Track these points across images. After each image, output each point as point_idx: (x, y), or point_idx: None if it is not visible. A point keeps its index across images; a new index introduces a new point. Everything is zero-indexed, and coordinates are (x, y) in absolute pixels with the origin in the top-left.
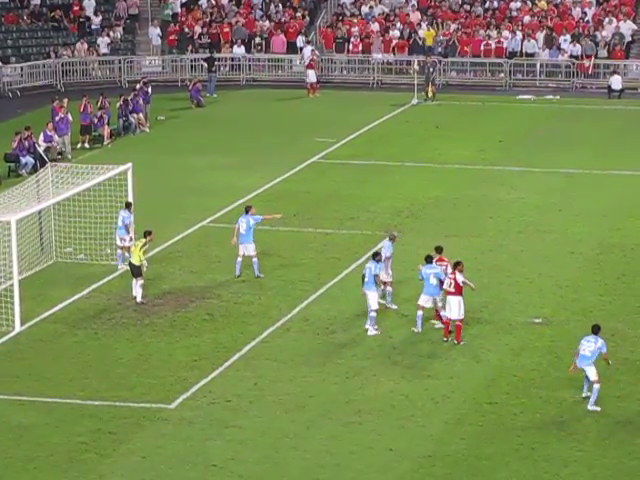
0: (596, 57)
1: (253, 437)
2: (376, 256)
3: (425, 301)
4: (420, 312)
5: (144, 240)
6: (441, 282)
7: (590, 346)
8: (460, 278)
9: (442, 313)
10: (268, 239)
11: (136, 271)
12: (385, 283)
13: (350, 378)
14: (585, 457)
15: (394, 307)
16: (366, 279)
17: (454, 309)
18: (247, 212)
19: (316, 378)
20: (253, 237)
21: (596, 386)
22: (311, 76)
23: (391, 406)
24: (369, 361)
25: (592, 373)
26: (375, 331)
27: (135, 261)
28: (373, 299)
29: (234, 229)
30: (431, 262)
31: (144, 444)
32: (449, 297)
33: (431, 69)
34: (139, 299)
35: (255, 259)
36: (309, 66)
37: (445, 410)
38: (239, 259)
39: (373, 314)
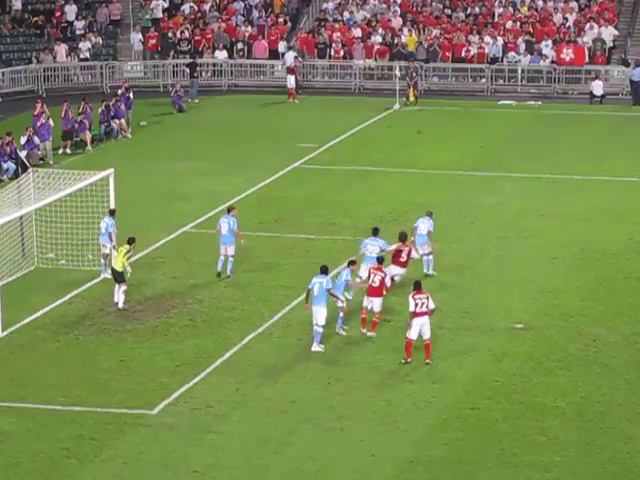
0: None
1: (235, 443)
2: (326, 270)
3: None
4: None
5: (127, 247)
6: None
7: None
8: (432, 305)
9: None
10: (250, 244)
11: (119, 277)
12: (428, 253)
13: (332, 384)
14: (567, 462)
15: (432, 273)
16: (315, 294)
17: (427, 329)
18: (229, 212)
19: (298, 384)
20: (234, 238)
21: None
22: (291, 81)
23: (373, 412)
24: (351, 367)
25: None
26: (319, 348)
27: (118, 267)
28: (322, 315)
29: (217, 230)
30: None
31: (126, 450)
32: (422, 318)
33: (414, 74)
34: (121, 305)
35: (232, 259)
36: (290, 71)
37: (427, 415)
38: (221, 257)
39: (320, 330)
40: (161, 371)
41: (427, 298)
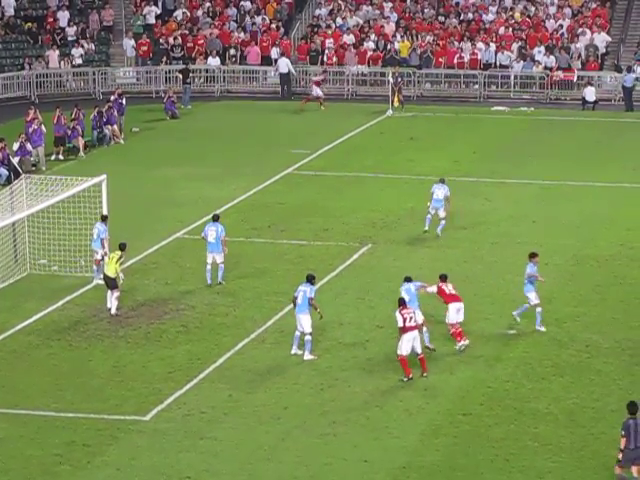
0: (569, 70)
1: (228, 449)
2: (312, 279)
3: None
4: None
5: (120, 253)
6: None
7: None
8: (420, 318)
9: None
10: (242, 250)
11: (112, 283)
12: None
13: (325, 390)
14: (559, 468)
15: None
16: (299, 302)
17: (418, 344)
18: (215, 220)
19: (291, 390)
20: (222, 245)
21: None
22: (317, 91)
23: (366, 417)
24: (344, 372)
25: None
26: (311, 356)
27: (110, 273)
28: (307, 323)
29: (202, 238)
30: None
31: (118, 456)
32: (412, 333)
33: (399, 79)
34: (113, 311)
35: (222, 265)
36: (316, 83)
37: (420, 421)
38: (208, 267)
39: (309, 337)
40: (154, 377)
41: (414, 312)
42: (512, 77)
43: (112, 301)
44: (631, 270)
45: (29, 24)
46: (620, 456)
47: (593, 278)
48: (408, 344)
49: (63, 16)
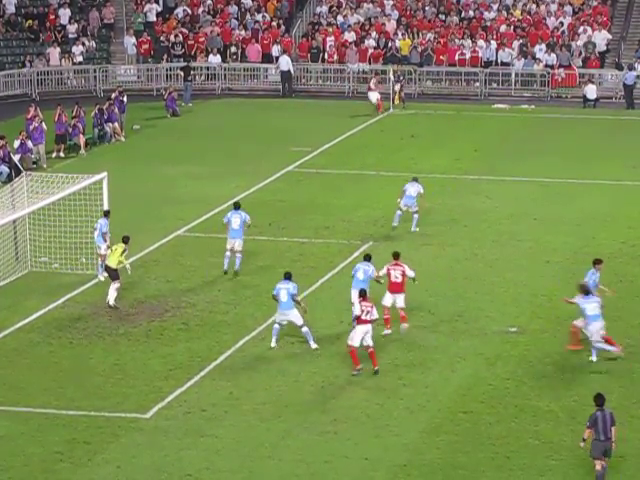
0: (569, 67)
1: (228, 446)
2: (290, 276)
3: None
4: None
5: (123, 245)
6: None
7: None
8: (375, 315)
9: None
10: (243, 248)
11: (113, 274)
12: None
13: (325, 387)
14: (560, 466)
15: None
16: (283, 299)
17: (370, 338)
18: (237, 208)
19: (291, 387)
20: (244, 233)
21: None
22: (372, 97)
23: (366, 415)
24: (344, 370)
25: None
26: (316, 344)
27: (112, 264)
28: (297, 317)
29: (225, 224)
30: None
31: (119, 454)
32: (365, 326)
33: (401, 77)
34: (112, 302)
35: (240, 254)
36: (369, 89)
37: (420, 419)
38: (227, 253)
39: (306, 329)
40: (155, 375)
41: (372, 307)
42: (513, 75)
43: (111, 292)
44: (632, 268)
45: (30, 22)
46: (582, 445)
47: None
48: (359, 336)
49: (64, 14)
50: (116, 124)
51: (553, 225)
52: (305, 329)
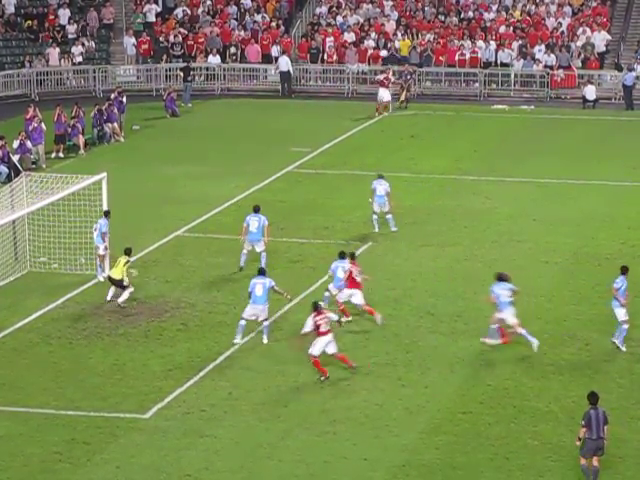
0: (569, 68)
1: (228, 447)
2: (264, 272)
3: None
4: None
5: (127, 258)
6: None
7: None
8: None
9: None
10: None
11: (119, 284)
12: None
13: (325, 388)
14: (559, 467)
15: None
16: (258, 294)
17: (333, 345)
18: (257, 211)
19: (291, 387)
20: (263, 235)
21: None
22: (384, 95)
23: (365, 416)
24: (344, 371)
25: None
26: (268, 340)
27: (116, 276)
28: (266, 312)
29: (243, 227)
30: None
31: (118, 454)
32: (327, 337)
33: (408, 76)
34: (121, 300)
35: (264, 254)
36: (382, 84)
37: (419, 420)
38: (245, 251)
39: (267, 323)
40: (154, 375)
41: (327, 317)
42: (512, 75)
43: (124, 294)
44: (632, 268)
45: (29, 22)
46: (579, 443)
47: (593, 276)
48: (321, 347)
49: (63, 14)
50: (115, 124)
51: (552, 225)
52: (267, 323)
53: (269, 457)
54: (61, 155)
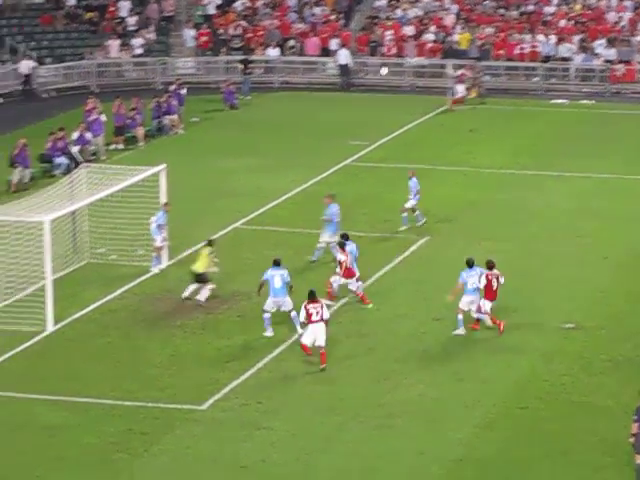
0: (629, 62)
1: (284, 439)
2: (280, 262)
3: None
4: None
5: (210, 249)
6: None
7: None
8: (326, 314)
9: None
10: (299, 242)
11: (201, 279)
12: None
13: (381, 381)
14: (616, 463)
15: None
16: (276, 286)
17: (321, 337)
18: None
19: (346, 381)
20: (337, 227)
21: None
22: (460, 90)
23: (421, 410)
24: (399, 364)
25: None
26: (272, 332)
27: (200, 269)
28: (289, 302)
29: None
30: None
31: (175, 445)
32: (317, 325)
33: (480, 73)
34: (202, 299)
35: (294, 313)
36: (459, 80)
37: (475, 414)
38: (322, 245)
39: (295, 313)
40: (211, 366)
41: (322, 307)
42: (572, 70)
43: (204, 291)
44: None
45: (90, 14)
46: (632, 440)
47: None
48: (312, 335)
49: (124, 6)
50: (175, 116)
51: (611, 221)
52: (294, 314)
53: (324, 450)
54: (120, 147)
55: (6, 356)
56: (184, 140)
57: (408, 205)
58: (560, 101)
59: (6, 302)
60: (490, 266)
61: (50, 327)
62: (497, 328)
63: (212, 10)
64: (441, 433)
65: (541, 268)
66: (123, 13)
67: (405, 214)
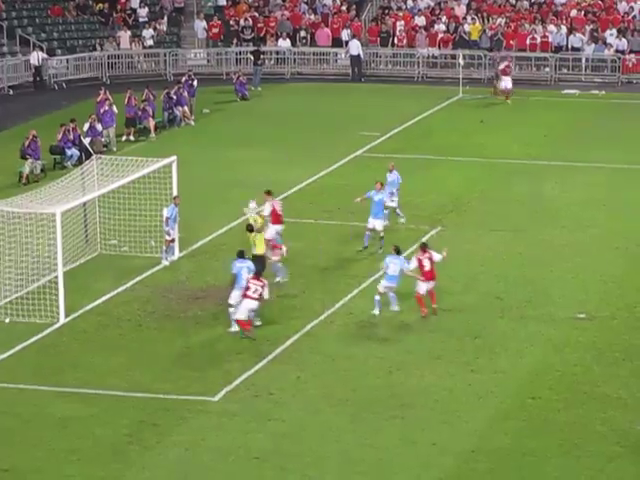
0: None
1: (295, 430)
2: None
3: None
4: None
5: (255, 233)
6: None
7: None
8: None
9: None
10: (311, 233)
11: (260, 264)
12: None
13: (393, 372)
14: (628, 453)
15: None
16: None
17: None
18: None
19: (359, 372)
20: (383, 213)
21: None
22: (506, 82)
23: (434, 401)
24: (412, 355)
25: None
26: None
27: (261, 251)
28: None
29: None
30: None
31: (187, 436)
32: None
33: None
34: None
35: (382, 234)
36: (504, 72)
37: (489, 405)
38: (368, 233)
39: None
40: (222, 358)
41: (263, 286)
42: (583, 60)
43: (280, 273)
44: None
45: (101, 5)
46: None
47: None
48: (245, 311)
49: None
50: (186, 108)
51: (623, 211)
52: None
53: (337, 441)
54: (132, 138)
55: (18, 348)
56: (195, 131)
57: (392, 204)
58: (571, 91)
59: (18, 294)
60: (423, 248)
61: (62, 319)
62: (421, 311)
63: (223, 1)
64: (454, 424)
65: (553, 258)
66: (134, 4)
67: (386, 211)
